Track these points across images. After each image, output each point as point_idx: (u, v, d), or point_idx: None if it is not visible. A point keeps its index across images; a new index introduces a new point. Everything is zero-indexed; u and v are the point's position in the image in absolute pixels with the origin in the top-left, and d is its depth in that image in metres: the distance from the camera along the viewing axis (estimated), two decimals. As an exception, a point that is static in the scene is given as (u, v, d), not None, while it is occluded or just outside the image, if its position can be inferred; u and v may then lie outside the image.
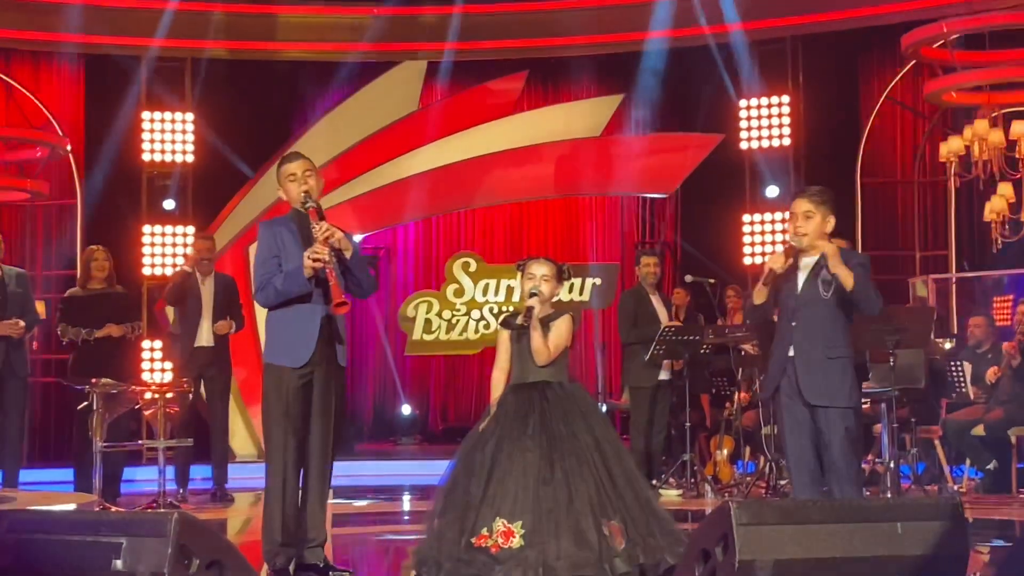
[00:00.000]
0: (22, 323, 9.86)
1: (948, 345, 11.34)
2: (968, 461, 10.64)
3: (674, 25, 14.36)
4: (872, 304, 6.36)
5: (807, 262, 6.45)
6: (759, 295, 6.55)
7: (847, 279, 6.23)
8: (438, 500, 6.30)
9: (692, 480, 10.52)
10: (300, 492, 6.27)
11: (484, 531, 5.91)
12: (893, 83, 14.43)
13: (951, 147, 12.30)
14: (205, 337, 10.39)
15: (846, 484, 6.35)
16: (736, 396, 10.79)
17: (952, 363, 10.91)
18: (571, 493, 5.97)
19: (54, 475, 11.74)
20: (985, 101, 12.50)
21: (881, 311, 6.54)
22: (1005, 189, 12.10)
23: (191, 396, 10.23)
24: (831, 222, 6.48)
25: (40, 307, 10.87)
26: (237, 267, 13.68)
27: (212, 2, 14.47)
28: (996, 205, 12.18)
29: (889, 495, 8.95)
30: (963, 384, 10.83)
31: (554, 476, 5.99)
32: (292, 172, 6.35)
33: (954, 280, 14.07)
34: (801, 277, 6.46)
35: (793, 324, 6.43)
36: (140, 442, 9.77)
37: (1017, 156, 12.03)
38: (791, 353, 6.42)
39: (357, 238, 10.76)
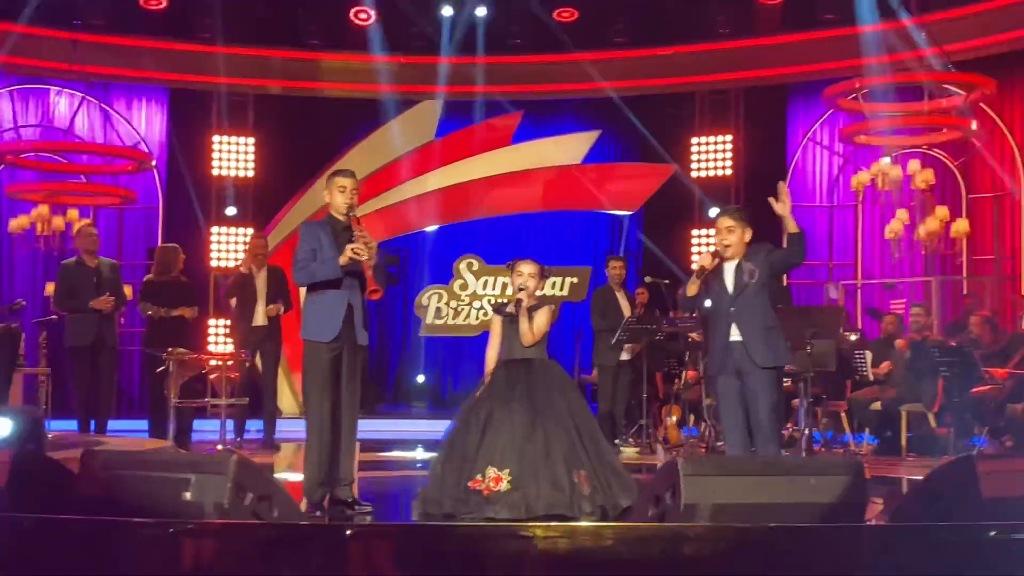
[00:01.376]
0: (112, 299, 9.84)
1: (853, 337, 11.35)
2: (867, 430, 10.66)
3: (641, 76, 14.38)
4: (802, 248, 6.42)
5: (731, 265, 6.48)
6: (691, 288, 6.52)
7: (792, 226, 6.34)
8: (441, 452, 6.30)
9: (647, 440, 10.53)
10: (333, 442, 6.27)
11: (478, 477, 5.91)
12: (814, 127, 14.45)
13: (860, 179, 12.35)
14: (260, 318, 10.34)
15: (770, 444, 6.35)
16: (684, 374, 10.81)
17: (856, 352, 10.93)
18: (548, 448, 5.97)
19: (135, 425, 11.71)
20: (887, 143, 12.52)
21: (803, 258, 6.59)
22: (902, 214, 12.13)
23: (248, 365, 10.23)
24: (749, 233, 6.50)
25: (127, 291, 10.85)
26: (287, 262, 13.60)
27: (271, 49, 14.46)
28: (894, 227, 12.21)
29: (804, 455, 8.94)
30: (865, 369, 10.85)
31: (535, 434, 5.99)
32: (343, 185, 6.33)
33: (859, 285, 14.09)
34: (728, 275, 6.47)
35: (732, 310, 6.43)
36: (206, 400, 9.74)
37: (911, 188, 12.07)
38: (732, 337, 6.42)
39: (383, 241, 10.72)
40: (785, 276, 11.96)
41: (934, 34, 12.32)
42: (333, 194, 6.35)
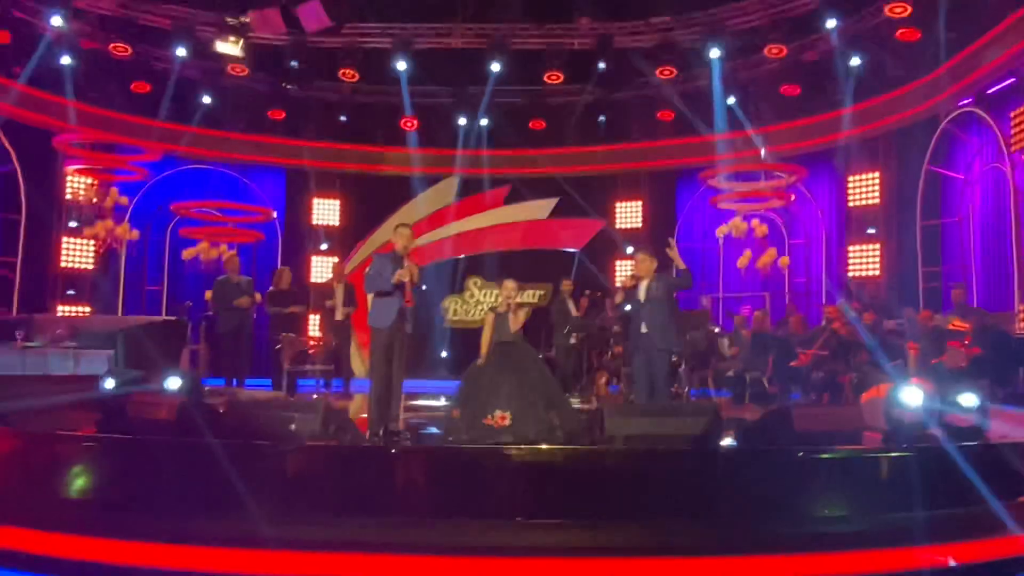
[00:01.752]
0: (249, 300, 9.80)
1: (716, 329, 11.35)
2: (724, 388, 10.67)
3: (586, 164, 14.38)
4: (689, 278, 6.57)
5: (644, 283, 6.51)
6: (618, 298, 6.67)
7: (680, 265, 6.56)
8: (455, 400, 6.29)
9: (587, 395, 10.49)
10: (387, 393, 6.24)
11: (489, 416, 5.90)
12: (693, 196, 14.47)
13: (721, 230, 12.37)
14: (339, 315, 10.34)
15: (663, 397, 6.37)
16: (610, 352, 10.76)
17: (718, 338, 10.92)
18: (532, 398, 5.97)
19: (262, 383, 11.62)
20: (739, 208, 12.56)
21: (691, 284, 6.74)
22: (747, 252, 12.15)
23: (333, 344, 10.17)
24: (655, 263, 6.58)
25: (257, 297, 10.80)
26: (358, 280, 13.59)
27: (352, 144, 14.42)
28: (743, 260, 12.21)
29: (684, 402, 8.94)
30: (724, 349, 10.84)
31: (523, 388, 6.00)
32: (403, 233, 6.36)
33: (720, 297, 14.10)
34: (642, 290, 6.51)
35: (643, 312, 6.45)
36: (307, 366, 9.69)
37: (754, 236, 12.09)
38: (643, 330, 6.43)
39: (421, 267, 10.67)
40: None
41: (771, 138, 12.41)
42: (397, 238, 6.36)
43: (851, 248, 12.50)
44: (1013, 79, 9.88)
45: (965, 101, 10.64)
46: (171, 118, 13.12)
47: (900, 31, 10.71)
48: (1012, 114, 9.86)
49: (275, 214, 13.91)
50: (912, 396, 6.10)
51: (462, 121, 14.18)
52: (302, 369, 9.75)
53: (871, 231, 12.28)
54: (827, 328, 9.80)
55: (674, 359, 9.11)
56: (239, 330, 9.84)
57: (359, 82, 13.62)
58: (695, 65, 12.98)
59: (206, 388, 8.81)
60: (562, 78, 13.11)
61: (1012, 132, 9.81)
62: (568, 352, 10.46)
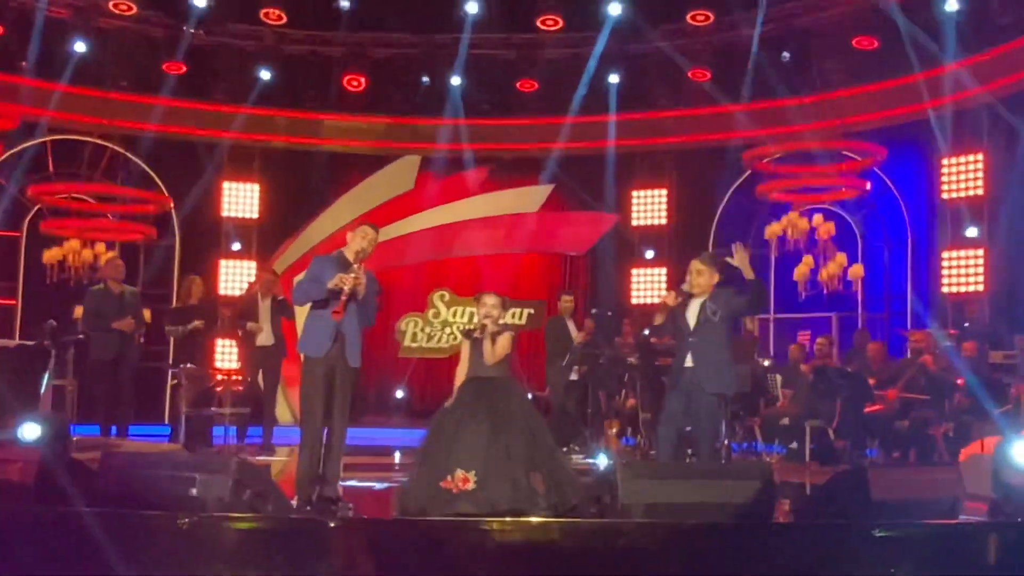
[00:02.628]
0: (133, 321, 9.78)
1: (766, 362, 11.41)
2: (777, 442, 10.69)
3: (591, 139, 14.46)
4: (762, 297, 6.50)
5: (696, 301, 6.51)
6: (657, 319, 6.61)
7: (749, 274, 6.40)
8: (416, 457, 6.26)
9: (590, 449, 10.50)
10: (323, 445, 6.22)
11: (448, 477, 5.87)
12: (736, 184, 14.55)
13: (773, 229, 12.43)
14: (263, 339, 10.30)
15: (706, 458, 6.39)
16: (623, 392, 10.78)
17: (768, 375, 10.99)
18: (509, 453, 5.93)
19: (154, 431, 11.56)
20: (797, 199, 12.64)
21: (764, 303, 6.67)
22: (808, 259, 12.22)
23: (250, 380, 10.13)
24: (716, 276, 6.55)
25: (146, 314, 10.75)
26: (286, 292, 13.54)
27: (277, 109, 14.44)
28: (801, 269, 12.29)
29: (723, 462, 8.95)
30: (775, 389, 10.91)
31: (497, 441, 5.95)
32: (366, 233, 6.42)
33: (771, 319, 14.17)
34: (693, 311, 6.50)
35: (691, 340, 6.44)
36: (212, 409, 9.63)
37: (816, 237, 12.18)
38: (688, 363, 6.42)
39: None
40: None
41: (837, 108, 12.51)
42: (355, 237, 6.39)
43: (945, 254, 12.60)
44: None
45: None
46: (32, 73, 13.04)
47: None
48: None
49: (171, 203, 13.84)
50: (1027, 453, 6.17)
51: (426, 79, 14.21)
52: (207, 413, 9.67)
53: (972, 232, 12.40)
54: (914, 362, 9.88)
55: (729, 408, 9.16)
56: (120, 359, 9.79)
57: (287, 26, 13.63)
58: (737, 8, 13.08)
59: (75, 438, 8.80)
60: (561, 24, 13.17)
61: None
62: (567, 391, 10.47)
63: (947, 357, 9.85)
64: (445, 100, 14.40)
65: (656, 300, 13.80)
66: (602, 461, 9.98)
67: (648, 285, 14.71)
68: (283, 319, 10.38)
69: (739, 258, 6.48)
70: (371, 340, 15.72)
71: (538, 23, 13.15)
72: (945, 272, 12.57)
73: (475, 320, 6.75)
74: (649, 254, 14.70)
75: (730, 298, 6.49)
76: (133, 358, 9.99)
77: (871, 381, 9.91)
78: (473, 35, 13.80)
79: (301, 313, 9.25)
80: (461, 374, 6.42)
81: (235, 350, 12.30)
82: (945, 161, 12.73)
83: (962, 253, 12.45)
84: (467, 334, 6.47)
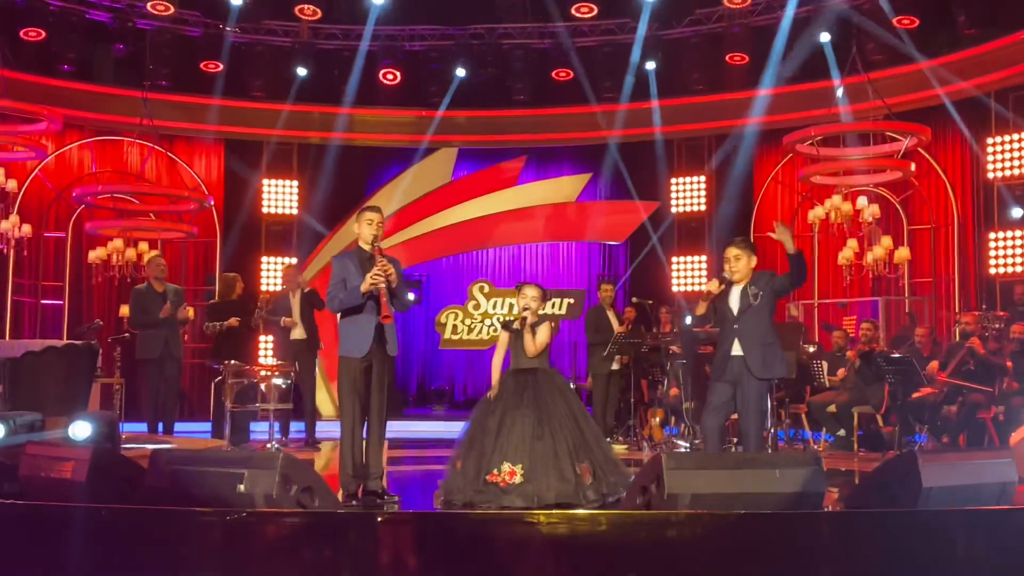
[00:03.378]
0: (184, 308, 9.92)
1: (811, 348, 11.30)
2: (824, 429, 10.60)
3: (627, 126, 14.39)
4: (803, 270, 6.40)
5: (737, 288, 6.45)
6: (700, 309, 6.53)
7: (791, 248, 6.30)
8: (459, 449, 6.25)
9: (634, 439, 10.49)
10: (365, 441, 6.24)
11: (495, 471, 5.88)
12: (777, 168, 14.43)
13: (816, 213, 12.31)
14: (297, 333, 10.38)
15: (753, 447, 6.33)
16: (666, 381, 10.73)
17: (814, 361, 10.89)
18: (555, 445, 5.95)
19: (197, 427, 11.70)
20: (839, 182, 12.50)
21: (804, 278, 6.54)
22: (852, 243, 12.09)
23: (292, 374, 10.20)
24: (754, 260, 6.50)
25: (190, 311, 10.87)
26: (325, 288, 13.69)
27: (313, 105, 14.51)
28: (846, 254, 12.16)
29: (770, 451, 8.90)
30: (822, 376, 10.80)
31: (543, 433, 5.97)
32: (370, 219, 6.31)
33: (816, 305, 14.05)
34: (735, 297, 6.44)
35: (736, 327, 6.39)
36: (256, 405, 9.70)
37: (860, 220, 12.03)
38: (734, 352, 6.37)
39: (407, 269, 10.71)
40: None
41: (878, 89, 12.33)
42: (362, 226, 6.34)
43: (992, 236, 12.41)
44: None
45: None
46: (74, 76, 13.23)
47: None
48: None
49: (211, 201, 13.98)
50: (1081, 436, 6.07)
51: (461, 72, 14.22)
52: (251, 409, 9.75)
53: (1017, 213, 12.19)
54: (963, 346, 9.73)
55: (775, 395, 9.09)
56: (166, 357, 9.90)
57: (322, 21, 13.70)
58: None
59: (124, 436, 8.92)
60: (596, 11, 13.12)
61: None
62: (609, 382, 10.45)
63: (997, 341, 9.70)
64: (481, 91, 14.40)
65: (698, 288, 13.74)
66: (646, 451, 9.97)
67: (689, 273, 14.64)
68: (315, 311, 10.46)
69: (780, 231, 6.42)
70: (414, 333, 15.91)
71: (572, 11, 13.09)
72: (992, 254, 12.38)
73: (515, 311, 6.75)
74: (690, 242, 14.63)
75: (771, 278, 6.44)
76: (178, 355, 10.10)
77: (919, 365, 9.76)
78: (507, 25, 13.80)
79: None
80: (498, 365, 6.42)
81: (273, 347, 12.42)
82: (990, 140, 12.54)
83: (1008, 234, 12.26)
84: (506, 326, 6.45)
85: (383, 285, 6.07)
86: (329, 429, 11.27)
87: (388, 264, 6.14)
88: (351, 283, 6.18)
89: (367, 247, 6.30)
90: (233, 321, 10.11)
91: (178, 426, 10.48)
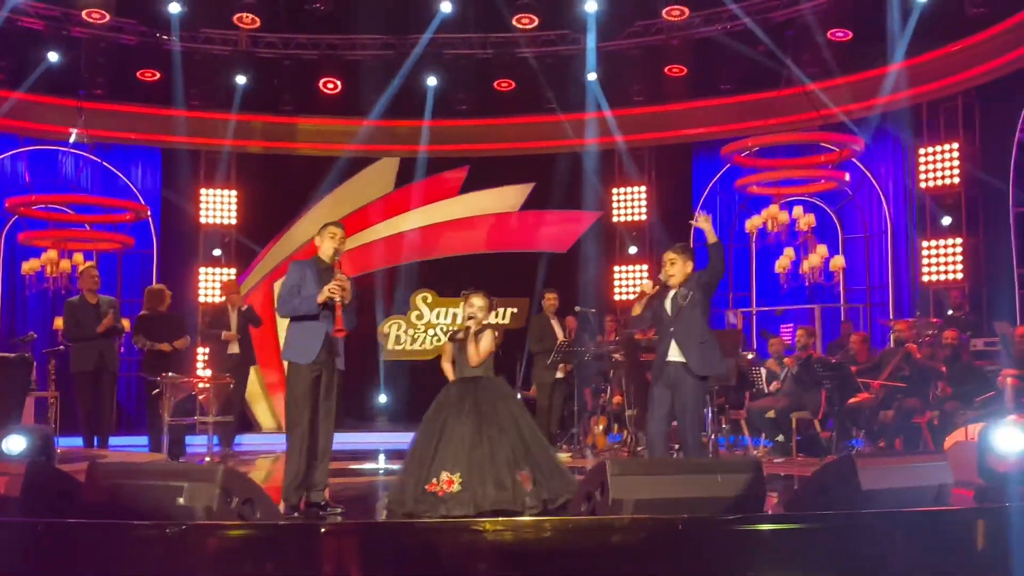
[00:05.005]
0: (112, 319, 9.73)
1: (750, 356, 11.44)
2: (763, 435, 10.72)
3: (569, 136, 14.48)
4: (721, 256, 6.49)
5: (672, 292, 6.51)
6: (636, 310, 6.58)
7: (712, 237, 6.44)
8: (404, 460, 6.25)
9: (578, 447, 10.53)
10: (310, 451, 6.17)
11: (434, 480, 5.86)
12: (715, 178, 14.60)
13: (753, 222, 12.46)
14: (233, 347, 10.34)
15: (692, 451, 6.38)
16: (609, 389, 10.79)
17: (753, 367, 11.02)
18: (493, 453, 5.93)
19: (133, 441, 11.49)
20: (776, 192, 12.69)
21: (723, 267, 6.61)
22: (789, 251, 12.27)
23: (231, 387, 10.08)
24: (691, 265, 6.56)
25: (125, 323, 10.70)
26: (266, 297, 13.56)
27: (252, 114, 14.38)
28: (783, 262, 12.34)
29: (711, 456, 8.98)
30: (760, 382, 10.94)
31: (481, 441, 5.95)
32: (334, 233, 6.27)
33: (754, 312, 14.23)
34: (670, 300, 6.50)
35: (672, 329, 6.44)
36: (195, 418, 9.57)
37: (796, 229, 12.22)
38: (671, 356, 6.42)
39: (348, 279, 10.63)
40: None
41: (813, 100, 12.56)
42: (324, 239, 6.29)
43: (924, 244, 12.69)
44: None
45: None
46: (6, 84, 12.96)
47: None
48: None
49: (148, 211, 13.77)
50: (1010, 439, 6.21)
51: (403, 81, 14.18)
52: (189, 422, 9.61)
53: (947, 221, 12.50)
54: (897, 351, 9.92)
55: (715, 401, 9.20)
56: (101, 370, 9.72)
57: (261, 29, 13.58)
58: (713, 2, 13.15)
59: (59, 450, 8.73)
60: (537, 21, 13.18)
61: None
62: (552, 390, 10.48)
63: (931, 346, 9.91)
64: (422, 101, 14.40)
65: (633, 295, 13.86)
66: (589, 458, 10.00)
67: (630, 281, 14.74)
68: (250, 327, 10.47)
69: (702, 220, 6.53)
70: (354, 343, 15.75)
71: (514, 21, 13.13)
72: (925, 261, 12.66)
73: (459, 320, 6.73)
74: (632, 250, 14.73)
75: (698, 277, 6.52)
76: (113, 368, 9.94)
77: (854, 371, 9.94)
78: (448, 34, 13.82)
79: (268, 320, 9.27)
80: (447, 367, 6.41)
81: (208, 359, 12.28)
82: (921, 151, 12.83)
83: (940, 242, 12.55)
84: (452, 337, 6.44)
85: (339, 299, 6.03)
86: (269, 442, 11.19)
87: (347, 280, 6.12)
88: (306, 291, 6.13)
89: (327, 259, 6.26)
90: (164, 347, 9.96)
91: (114, 440, 10.29)
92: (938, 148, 12.70)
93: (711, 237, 6.45)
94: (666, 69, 13.87)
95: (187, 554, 4.42)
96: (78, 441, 9.90)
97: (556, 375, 10.45)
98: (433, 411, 6.21)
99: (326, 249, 6.28)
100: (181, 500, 4.85)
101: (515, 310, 14.58)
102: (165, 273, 13.76)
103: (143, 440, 10.57)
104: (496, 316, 14.09)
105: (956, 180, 12.52)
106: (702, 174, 14.90)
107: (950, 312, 11.26)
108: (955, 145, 12.56)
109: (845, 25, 12.55)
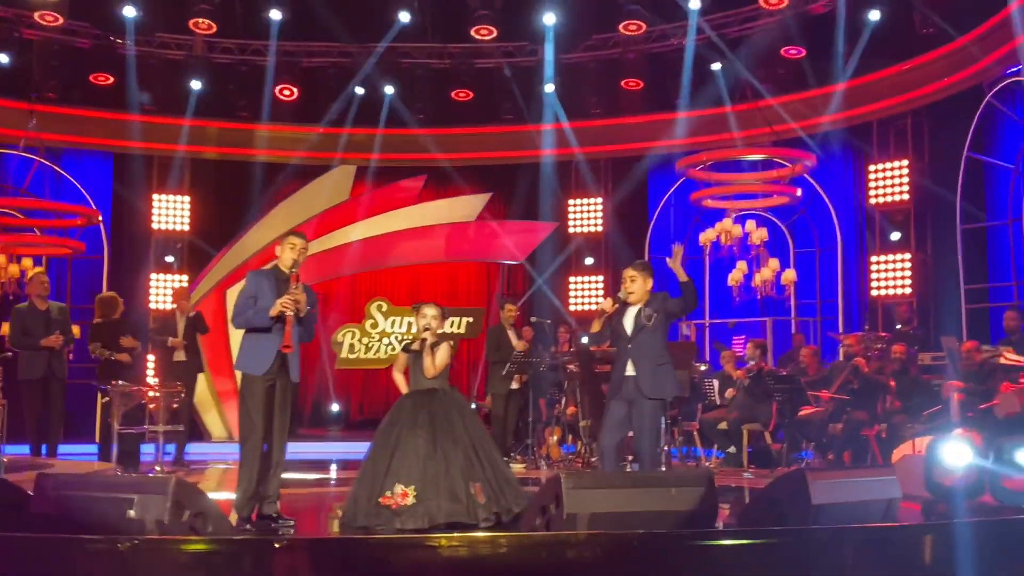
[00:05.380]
0: (61, 338, 9.58)
1: (703, 368, 11.54)
2: (715, 446, 10.82)
3: (527, 148, 14.52)
4: (694, 297, 6.51)
5: (633, 309, 6.51)
6: (595, 327, 6.54)
7: (683, 276, 6.46)
8: (358, 472, 6.21)
9: (532, 457, 10.53)
10: (262, 463, 6.11)
11: (388, 493, 5.84)
12: (669, 192, 14.72)
13: (707, 236, 12.57)
14: (179, 355, 10.25)
15: (647, 465, 6.40)
16: (563, 400, 10.82)
17: (705, 379, 11.12)
18: (448, 465, 5.93)
19: (82, 449, 11.31)
20: (729, 206, 12.82)
21: (695, 304, 6.63)
22: (742, 265, 12.39)
23: (183, 395, 9.96)
24: (651, 283, 6.57)
25: (75, 330, 10.54)
26: (218, 304, 13.41)
27: (207, 120, 14.26)
28: (735, 275, 12.46)
29: (664, 469, 9.02)
30: (713, 394, 11.04)
31: (436, 454, 5.95)
32: (294, 243, 6.23)
33: (707, 324, 14.35)
34: (629, 318, 6.50)
35: (630, 347, 6.46)
36: (145, 427, 9.44)
37: (749, 243, 12.34)
38: (629, 371, 6.43)
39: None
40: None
41: (767, 115, 12.72)
42: (284, 250, 6.24)
43: (874, 259, 12.89)
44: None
45: (1013, 69, 11.13)
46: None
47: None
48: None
49: (100, 216, 13.57)
50: (956, 453, 6.33)
51: (360, 90, 14.15)
52: (140, 431, 9.47)
53: (896, 236, 12.70)
54: (847, 365, 10.06)
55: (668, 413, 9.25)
56: (49, 378, 9.57)
57: (217, 35, 13.46)
58: (669, 17, 13.27)
59: (5, 459, 8.56)
60: (495, 32, 13.22)
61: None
62: (508, 400, 10.48)
63: (879, 360, 10.05)
64: (379, 109, 14.37)
65: (594, 307, 13.91)
66: (543, 470, 10.02)
67: (586, 292, 14.82)
68: (198, 334, 10.43)
69: (675, 261, 6.57)
70: (309, 353, 15.66)
71: (472, 32, 13.14)
72: (874, 276, 12.86)
73: (413, 330, 6.71)
74: (588, 261, 14.80)
75: (664, 301, 6.54)
76: (62, 375, 9.78)
77: (805, 384, 10.06)
78: (406, 44, 13.81)
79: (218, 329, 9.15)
80: (399, 377, 6.38)
81: (156, 367, 12.14)
82: (872, 168, 13.04)
83: (890, 257, 12.76)
84: (406, 348, 6.42)
85: (291, 313, 5.98)
86: (219, 451, 11.06)
87: (302, 292, 6.07)
88: (262, 302, 6.07)
89: (286, 270, 6.21)
90: (124, 357, 9.84)
91: (63, 448, 10.11)
92: (888, 165, 12.93)
93: (682, 277, 6.50)
94: (623, 83, 13.97)
95: (137, 569, 4.34)
96: (25, 449, 9.72)
97: (512, 385, 10.46)
98: (387, 423, 6.19)
99: (285, 259, 6.23)
100: (132, 513, 4.77)
101: (471, 319, 14.57)
102: (115, 279, 13.59)
103: (92, 448, 10.41)
104: (452, 326, 14.09)
105: (906, 196, 12.75)
106: (658, 187, 15.01)
107: (898, 327, 11.43)
108: (905, 162, 12.80)
109: (798, 43, 12.72)
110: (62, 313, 9.92)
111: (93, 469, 9.20)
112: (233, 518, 5.97)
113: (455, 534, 4.90)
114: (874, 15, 11.91)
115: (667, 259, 6.70)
